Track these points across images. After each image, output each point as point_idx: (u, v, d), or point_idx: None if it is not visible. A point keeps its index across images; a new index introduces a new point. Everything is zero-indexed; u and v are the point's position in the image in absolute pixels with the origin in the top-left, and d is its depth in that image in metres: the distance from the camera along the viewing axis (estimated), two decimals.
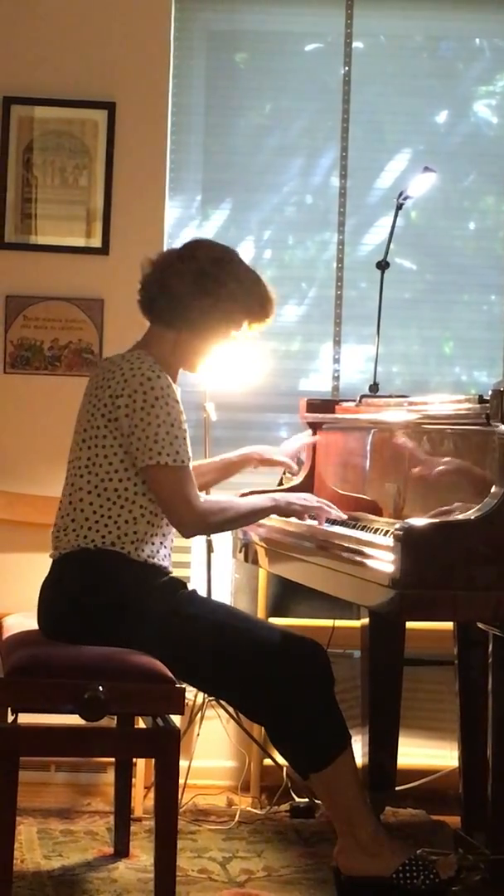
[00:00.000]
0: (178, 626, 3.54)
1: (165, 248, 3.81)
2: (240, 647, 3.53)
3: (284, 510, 3.80)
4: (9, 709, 3.43)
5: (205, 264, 3.71)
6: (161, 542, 3.65)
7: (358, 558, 3.26)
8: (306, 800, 4.44)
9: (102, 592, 3.56)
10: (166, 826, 3.36)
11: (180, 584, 3.69)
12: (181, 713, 3.45)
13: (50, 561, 3.69)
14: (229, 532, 4.39)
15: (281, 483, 4.48)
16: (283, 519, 3.90)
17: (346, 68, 5.05)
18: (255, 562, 4.17)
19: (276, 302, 3.84)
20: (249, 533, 4.14)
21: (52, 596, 3.64)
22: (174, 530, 3.68)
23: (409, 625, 4.12)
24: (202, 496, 3.68)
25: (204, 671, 3.58)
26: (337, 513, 3.78)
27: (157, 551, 3.63)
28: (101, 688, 3.31)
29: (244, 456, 4.17)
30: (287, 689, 3.50)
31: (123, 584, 3.56)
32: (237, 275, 3.74)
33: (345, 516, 3.77)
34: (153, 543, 3.62)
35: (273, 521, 3.95)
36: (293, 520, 3.84)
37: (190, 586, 3.73)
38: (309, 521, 3.78)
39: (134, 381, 3.56)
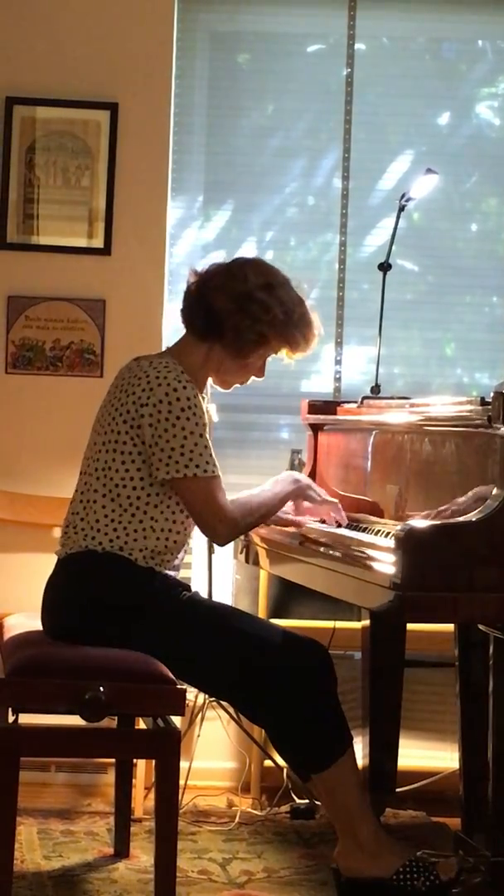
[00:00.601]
0: (179, 627, 3.54)
1: (215, 261, 3.74)
2: (241, 648, 3.53)
3: (303, 492, 3.79)
4: (9, 709, 3.43)
5: (253, 288, 3.66)
6: (169, 555, 3.63)
7: (359, 560, 3.25)
8: (306, 801, 4.44)
9: (106, 594, 3.55)
10: (166, 827, 3.36)
11: (183, 586, 3.69)
12: (182, 714, 3.44)
13: (55, 559, 3.69)
14: None
15: None
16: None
17: (349, 70, 5.05)
18: (256, 563, 4.17)
19: (319, 334, 3.78)
20: (250, 534, 4.13)
21: (56, 594, 3.63)
22: (186, 550, 3.68)
23: (410, 626, 4.11)
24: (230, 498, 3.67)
25: (205, 672, 3.58)
26: (340, 517, 3.78)
27: (165, 560, 3.62)
28: (101, 688, 3.31)
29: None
30: (289, 691, 3.49)
31: (127, 587, 3.55)
32: (284, 303, 3.68)
33: (345, 522, 3.77)
34: (162, 555, 3.60)
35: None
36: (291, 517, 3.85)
37: (192, 588, 3.73)
38: (310, 523, 3.78)
39: (160, 390, 3.53)
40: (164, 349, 3.79)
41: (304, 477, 3.85)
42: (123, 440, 3.58)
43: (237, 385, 3.82)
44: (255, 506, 3.68)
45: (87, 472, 3.67)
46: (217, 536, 3.64)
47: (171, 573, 3.65)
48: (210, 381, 3.78)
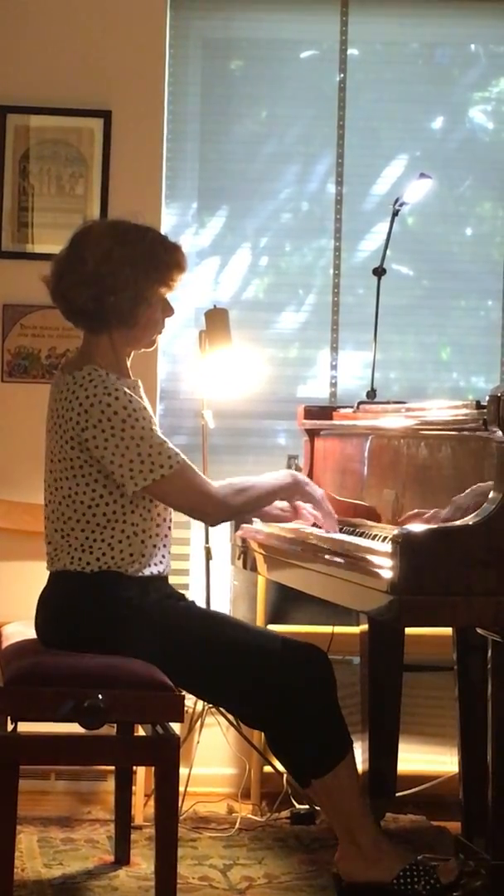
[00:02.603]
0: (176, 637, 3.53)
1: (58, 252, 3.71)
2: (239, 655, 3.52)
3: (301, 490, 3.77)
4: (8, 718, 3.43)
5: (94, 266, 3.58)
6: (161, 549, 3.64)
7: (357, 564, 3.26)
8: (307, 806, 4.44)
9: (100, 608, 3.55)
10: (167, 834, 3.36)
11: (178, 595, 3.69)
12: (181, 721, 3.44)
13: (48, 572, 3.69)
14: (228, 539, 4.39)
15: None
16: (281, 526, 3.90)
17: (342, 75, 5.06)
18: (254, 569, 4.17)
19: (177, 250, 3.67)
20: (248, 540, 4.13)
21: (49, 610, 3.63)
22: (170, 532, 3.68)
23: (409, 631, 4.12)
24: (216, 482, 3.66)
25: (203, 680, 3.58)
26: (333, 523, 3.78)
27: (157, 559, 3.63)
28: (100, 696, 3.31)
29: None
30: (289, 696, 3.49)
31: (121, 600, 3.55)
32: (128, 258, 3.58)
33: (337, 530, 3.76)
34: (152, 555, 3.61)
35: (272, 527, 3.95)
36: (290, 524, 3.85)
37: (189, 594, 3.73)
38: (301, 526, 3.78)
39: (94, 410, 3.49)
40: (75, 355, 3.74)
41: (301, 475, 3.84)
42: (79, 465, 3.55)
43: (159, 335, 3.74)
44: (246, 486, 3.67)
45: (54, 500, 3.63)
46: (207, 516, 3.65)
47: (162, 569, 3.65)
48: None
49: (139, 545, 3.58)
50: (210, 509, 3.60)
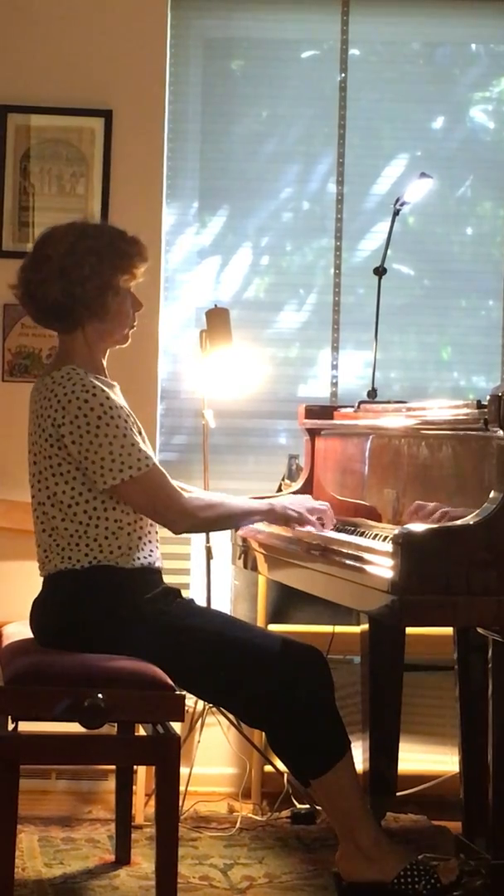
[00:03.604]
0: (175, 636, 3.53)
1: (27, 256, 3.77)
2: (238, 655, 3.53)
3: (280, 516, 3.78)
4: (9, 717, 3.44)
5: (58, 260, 3.63)
6: (147, 544, 3.64)
7: (357, 564, 3.25)
8: (307, 806, 4.44)
9: (96, 607, 3.55)
10: (167, 833, 3.36)
11: (176, 592, 3.69)
12: (181, 720, 3.44)
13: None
14: (228, 539, 4.39)
15: (280, 490, 4.49)
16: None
17: (343, 75, 5.06)
18: (255, 568, 4.17)
19: (137, 242, 3.73)
20: (248, 539, 4.14)
21: (44, 613, 3.63)
22: (153, 526, 3.67)
23: (409, 630, 4.12)
24: (189, 493, 3.67)
25: (203, 680, 3.58)
26: (328, 521, 3.77)
27: (145, 553, 3.63)
28: (100, 695, 3.31)
29: None
30: (287, 696, 3.49)
31: (117, 597, 3.55)
32: (92, 249, 3.64)
33: (332, 526, 3.75)
34: (140, 549, 3.61)
35: (272, 527, 3.95)
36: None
37: (189, 594, 3.73)
38: (302, 529, 3.78)
39: (71, 406, 3.52)
40: (52, 358, 3.79)
41: (278, 503, 3.81)
42: (58, 462, 3.58)
43: (132, 330, 3.77)
44: (217, 502, 3.69)
45: (38, 500, 3.66)
46: (171, 523, 3.61)
47: (154, 561, 3.65)
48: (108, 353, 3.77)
49: (125, 538, 3.59)
50: (174, 516, 3.59)
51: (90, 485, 3.56)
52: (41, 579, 3.69)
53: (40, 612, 3.65)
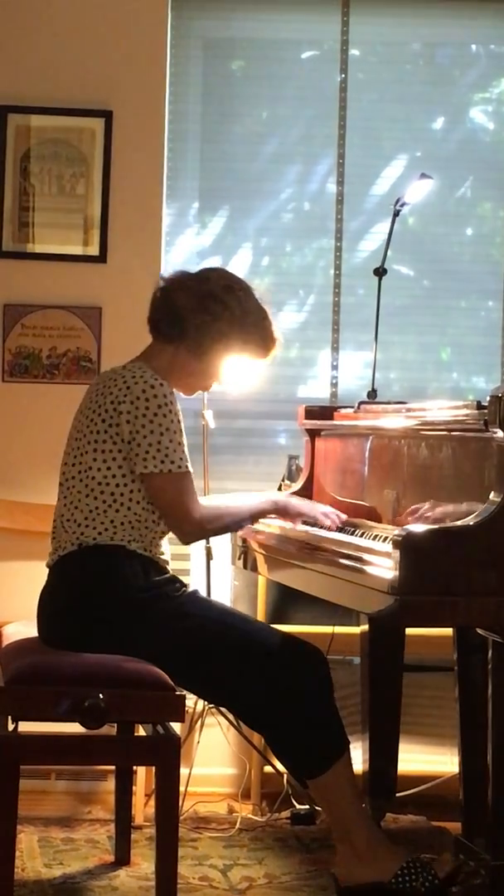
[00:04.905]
0: (177, 632, 3.54)
1: (167, 264, 3.87)
2: (239, 652, 3.53)
3: (283, 511, 3.81)
4: (9, 717, 3.44)
5: (214, 287, 3.74)
6: (156, 541, 3.65)
7: (357, 565, 3.26)
8: (307, 807, 4.44)
9: (102, 590, 3.56)
10: (167, 834, 3.36)
11: (180, 583, 3.68)
12: (181, 720, 3.45)
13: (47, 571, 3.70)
14: (228, 539, 4.39)
15: (279, 490, 4.49)
16: (282, 525, 3.90)
17: (343, 75, 5.06)
18: (255, 569, 4.17)
19: (279, 343, 3.85)
20: (248, 540, 4.14)
21: (51, 601, 3.64)
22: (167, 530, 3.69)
23: (409, 631, 4.11)
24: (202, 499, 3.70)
25: (203, 677, 3.58)
26: (334, 522, 3.77)
27: (156, 548, 3.64)
28: (101, 695, 3.31)
29: None
30: (286, 694, 3.50)
31: (123, 578, 3.56)
32: (244, 305, 3.76)
33: (338, 524, 3.76)
34: (152, 542, 3.63)
35: (272, 527, 3.95)
36: (289, 525, 3.85)
37: (189, 585, 3.72)
38: (302, 527, 3.78)
39: (136, 388, 3.58)
40: (134, 358, 3.81)
41: (281, 496, 3.87)
42: (103, 439, 3.60)
43: (200, 391, 3.88)
44: (225, 511, 3.73)
45: (66, 479, 3.70)
46: (182, 532, 3.66)
47: (164, 559, 3.67)
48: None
49: (142, 530, 3.60)
50: (186, 527, 3.65)
51: (127, 469, 3.58)
52: (45, 573, 3.69)
53: (46, 602, 3.65)
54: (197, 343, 3.73)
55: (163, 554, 3.68)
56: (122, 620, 3.53)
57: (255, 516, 3.81)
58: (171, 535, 3.70)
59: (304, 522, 3.83)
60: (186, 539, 3.71)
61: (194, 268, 3.91)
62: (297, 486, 4.28)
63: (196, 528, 3.66)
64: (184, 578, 4.62)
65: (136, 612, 3.54)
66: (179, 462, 3.57)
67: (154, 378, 3.60)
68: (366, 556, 3.26)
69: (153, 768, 3.70)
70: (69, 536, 3.62)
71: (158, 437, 3.56)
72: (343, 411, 4.24)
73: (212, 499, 3.85)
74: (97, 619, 3.54)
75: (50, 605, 3.64)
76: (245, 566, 4.25)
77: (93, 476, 3.61)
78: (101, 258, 4.85)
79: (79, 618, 3.56)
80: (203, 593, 4.49)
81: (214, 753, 4.76)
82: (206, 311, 3.72)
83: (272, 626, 4.07)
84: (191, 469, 3.62)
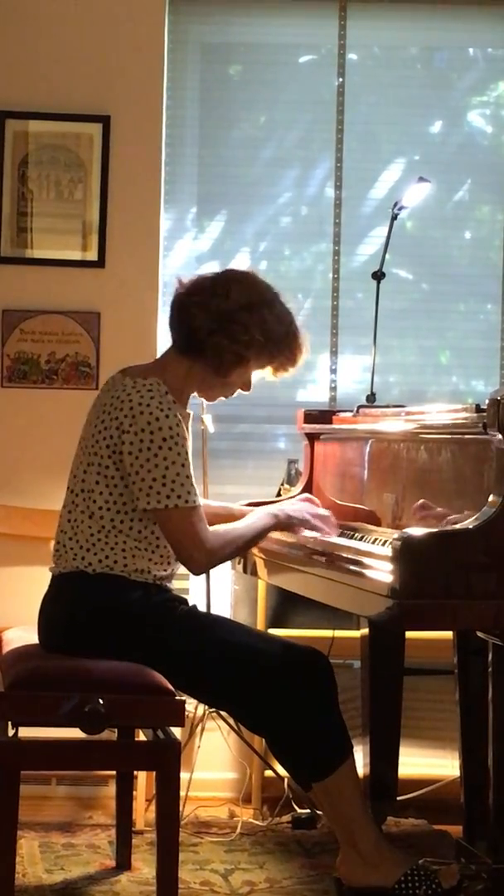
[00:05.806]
0: (178, 640, 3.54)
1: (199, 273, 3.70)
2: (241, 658, 3.53)
3: (285, 525, 3.80)
4: (9, 723, 3.43)
5: (234, 307, 3.63)
6: (161, 574, 3.63)
7: (357, 569, 3.25)
8: (308, 811, 4.43)
9: (102, 609, 3.55)
10: (168, 838, 3.36)
11: (180, 600, 3.68)
12: (182, 725, 3.45)
13: (49, 575, 3.69)
14: None
15: (279, 494, 4.49)
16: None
17: (340, 79, 5.06)
18: (254, 573, 4.17)
19: (306, 349, 3.79)
20: None
21: (52, 611, 3.63)
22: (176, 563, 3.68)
23: (409, 634, 4.12)
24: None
25: (204, 683, 3.58)
26: (332, 528, 3.77)
27: (157, 569, 3.62)
28: (101, 701, 3.31)
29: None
30: (290, 699, 3.49)
31: (124, 602, 3.55)
32: (265, 323, 3.65)
33: (337, 533, 3.76)
34: (151, 570, 3.61)
35: (273, 532, 3.94)
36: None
37: (189, 598, 3.72)
38: (307, 534, 3.78)
39: (142, 418, 3.50)
40: (149, 363, 3.76)
41: (278, 509, 3.84)
42: (106, 464, 3.57)
43: (222, 398, 3.82)
44: (233, 537, 3.67)
45: (73, 489, 3.67)
46: (193, 565, 3.61)
47: (167, 576, 3.65)
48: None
49: (143, 560, 3.58)
50: (198, 558, 3.58)
51: (129, 499, 3.55)
52: (48, 579, 3.69)
53: (48, 610, 3.64)
54: (215, 363, 3.65)
55: (165, 571, 3.65)
56: (121, 633, 3.52)
57: (261, 535, 3.76)
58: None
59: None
60: (197, 571, 3.66)
61: (202, 270, 3.82)
62: (297, 490, 4.28)
63: (206, 560, 3.60)
64: (183, 583, 4.64)
65: (136, 625, 3.53)
66: (187, 497, 3.52)
67: (160, 407, 3.51)
68: (366, 560, 3.26)
69: (154, 773, 3.69)
70: (70, 556, 3.60)
71: (164, 471, 3.50)
72: (342, 415, 4.24)
73: (216, 530, 3.78)
74: (96, 632, 3.53)
75: (50, 614, 3.64)
76: (245, 570, 4.24)
77: (94, 500, 3.58)
78: (100, 263, 4.85)
79: (78, 630, 3.55)
80: (203, 598, 4.52)
81: (215, 758, 4.76)
82: (224, 333, 3.61)
83: (273, 632, 4.08)
84: (197, 501, 3.55)
